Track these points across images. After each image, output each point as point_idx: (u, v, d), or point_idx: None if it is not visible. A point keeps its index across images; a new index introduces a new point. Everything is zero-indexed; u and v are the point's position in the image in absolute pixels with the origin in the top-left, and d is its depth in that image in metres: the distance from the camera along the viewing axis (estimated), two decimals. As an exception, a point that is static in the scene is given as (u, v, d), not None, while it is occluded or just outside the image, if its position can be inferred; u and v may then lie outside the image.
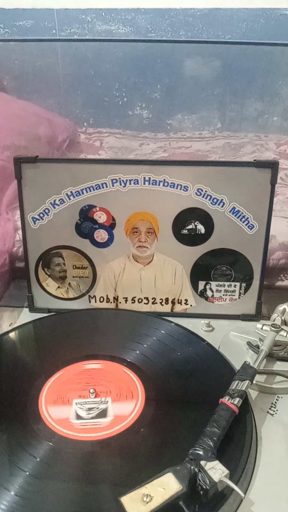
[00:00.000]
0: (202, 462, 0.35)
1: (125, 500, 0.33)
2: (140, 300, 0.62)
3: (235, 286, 0.60)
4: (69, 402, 0.44)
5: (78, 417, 0.43)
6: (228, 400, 0.41)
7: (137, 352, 0.51)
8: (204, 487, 0.34)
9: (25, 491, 0.36)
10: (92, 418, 0.43)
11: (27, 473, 0.37)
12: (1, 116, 0.86)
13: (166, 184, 0.55)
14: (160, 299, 0.62)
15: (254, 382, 0.47)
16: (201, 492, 0.34)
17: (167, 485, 0.34)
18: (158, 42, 1.28)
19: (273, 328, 0.52)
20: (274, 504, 0.37)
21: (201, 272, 0.60)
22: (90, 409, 0.44)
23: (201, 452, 0.36)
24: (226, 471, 0.35)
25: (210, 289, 0.61)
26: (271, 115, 1.44)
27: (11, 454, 0.39)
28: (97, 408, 0.44)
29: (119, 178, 0.55)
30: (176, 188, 0.55)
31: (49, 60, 1.39)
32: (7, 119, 0.85)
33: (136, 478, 0.35)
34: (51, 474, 0.37)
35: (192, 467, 0.35)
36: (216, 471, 0.35)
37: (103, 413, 0.43)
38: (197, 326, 0.58)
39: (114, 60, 1.38)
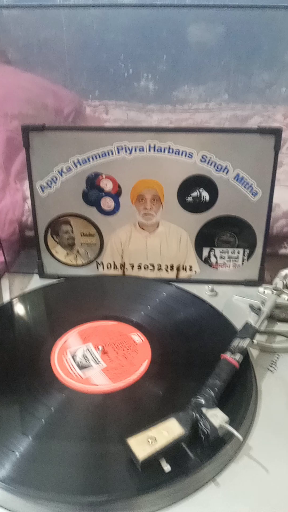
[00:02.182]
0: (204, 409, 0.37)
1: (132, 441, 0.35)
2: (146, 267, 0.64)
3: (238, 252, 0.62)
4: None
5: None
6: (229, 355, 0.44)
7: (143, 313, 0.53)
8: (205, 431, 0.36)
9: (40, 436, 0.38)
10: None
11: (43, 420, 0.40)
12: (8, 87, 0.86)
13: (171, 151, 0.56)
14: (166, 265, 0.63)
15: (255, 342, 0.49)
16: (203, 436, 0.37)
17: (170, 429, 0.36)
18: (162, 6, 1.25)
19: (274, 292, 0.54)
20: (271, 450, 0.39)
21: (205, 239, 0.61)
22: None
23: (202, 401, 0.38)
24: (226, 418, 0.37)
25: (214, 255, 0.62)
26: (279, 86, 1.42)
27: (28, 406, 0.41)
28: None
29: (125, 146, 0.56)
30: (181, 155, 0.56)
31: (54, 31, 1.36)
32: (14, 90, 0.86)
33: (141, 426, 0.37)
34: (64, 421, 0.40)
35: (194, 414, 0.37)
36: (217, 417, 0.37)
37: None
38: (201, 291, 0.60)
39: (119, 29, 1.35)
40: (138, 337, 0.50)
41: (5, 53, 1.34)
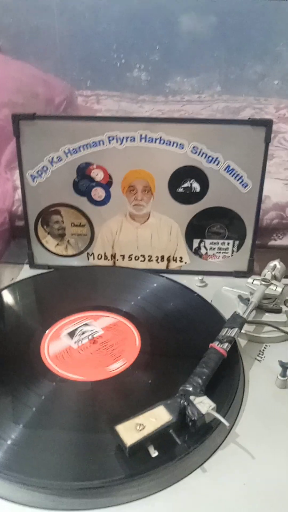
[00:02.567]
0: (191, 397, 0.38)
1: (120, 428, 0.36)
2: (136, 258, 0.64)
3: (228, 244, 0.62)
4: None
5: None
6: (217, 345, 0.44)
7: (132, 303, 0.53)
8: (193, 418, 0.37)
9: (31, 424, 0.39)
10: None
11: (33, 409, 0.40)
12: (-2, 75, 0.85)
13: (162, 141, 0.56)
14: (156, 256, 0.64)
15: (243, 332, 0.49)
16: (190, 423, 0.37)
17: (158, 416, 0.37)
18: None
19: (263, 282, 0.54)
20: (257, 437, 0.40)
21: (195, 230, 0.62)
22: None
23: (190, 389, 0.39)
24: (213, 405, 0.38)
25: (204, 246, 0.63)
26: (271, 78, 1.42)
27: (19, 394, 0.42)
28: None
29: (116, 136, 0.56)
30: (172, 145, 0.56)
31: (45, 20, 1.35)
32: (4, 79, 0.85)
33: (131, 414, 0.37)
34: (54, 409, 0.40)
35: (181, 401, 0.38)
36: (204, 404, 0.37)
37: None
38: (192, 282, 0.60)
39: (111, 19, 1.34)
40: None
41: (-5, 42, 1.32)
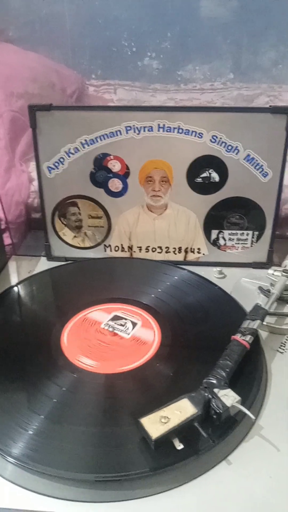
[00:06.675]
0: (216, 390, 0.38)
1: (145, 421, 0.35)
2: (154, 249, 0.63)
3: (247, 234, 0.61)
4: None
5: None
6: (239, 337, 0.44)
7: (152, 295, 0.53)
8: (217, 411, 0.36)
9: (53, 415, 0.39)
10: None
11: (55, 400, 0.40)
12: (12, 66, 0.84)
13: (180, 131, 0.55)
14: (174, 248, 0.63)
15: (265, 323, 0.49)
16: (215, 416, 0.37)
17: (183, 409, 0.36)
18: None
19: (284, 274, 0.53)
20: (281, 429, 0.40)
21: (214, 221, 0.61)
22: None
23: (214, 381, 0.38)
24: (238, 398, 0.37)
25: (223, 237, 0.62)
26: (286, 65, 1.39)
27: (40, 386, 0.42)
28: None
29: (133, 125, 0.55)
30: (191, 135, 0.55)
31: (55, 8, 1.33)
32: (19, 69, 0.84)
33: (152, 406, 0.37)
34: (75, 401, 0.40)
35: (206, 394, 0.37)
36: (229, 397, 0.37)
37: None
38: (210, 274, 0.60)
39: (123, 6, 1.32)
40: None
41: (6, 32, 1.31)
